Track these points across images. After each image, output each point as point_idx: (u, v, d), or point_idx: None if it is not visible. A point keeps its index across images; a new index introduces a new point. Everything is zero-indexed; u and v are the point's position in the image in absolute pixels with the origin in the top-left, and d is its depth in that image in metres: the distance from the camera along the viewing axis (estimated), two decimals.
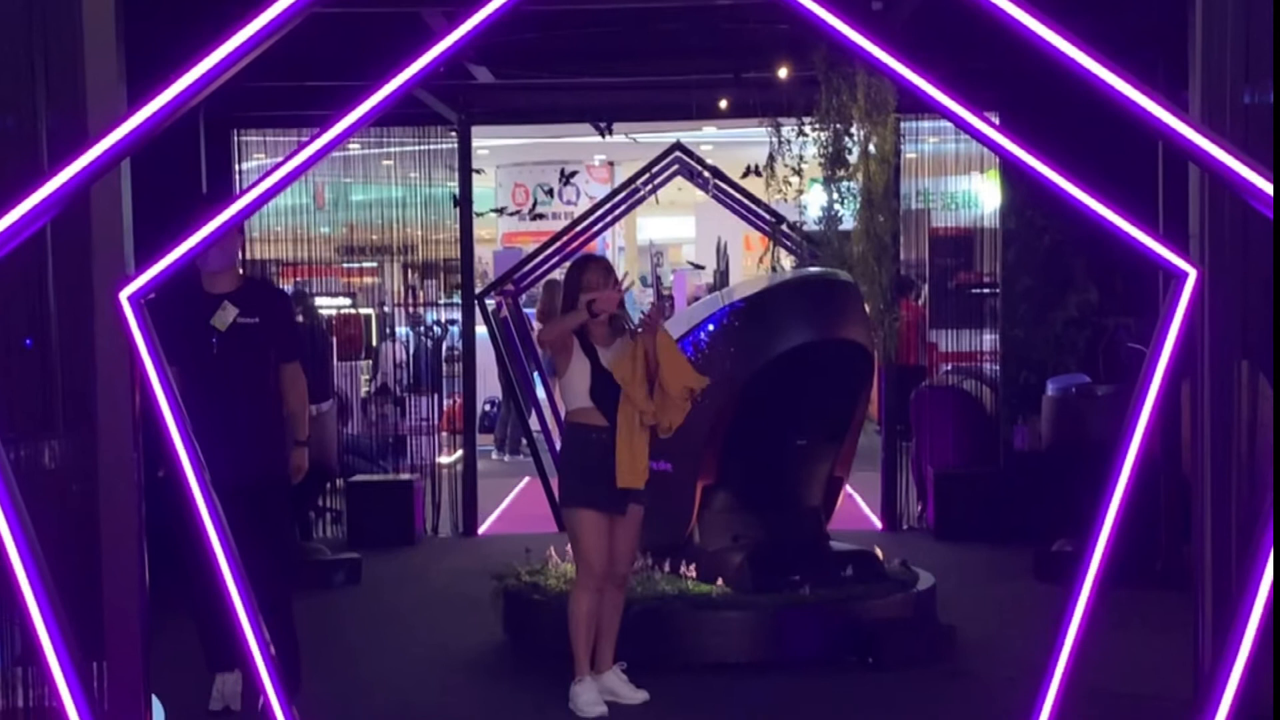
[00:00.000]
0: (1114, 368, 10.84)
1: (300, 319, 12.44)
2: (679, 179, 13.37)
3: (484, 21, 3.33)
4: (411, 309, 13.84)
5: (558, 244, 13.19)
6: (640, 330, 7.25)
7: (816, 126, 10.56)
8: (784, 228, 11.90)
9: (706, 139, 18.59)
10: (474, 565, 10.39)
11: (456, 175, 12.71)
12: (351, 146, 13.19)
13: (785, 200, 11.29)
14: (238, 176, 12.57)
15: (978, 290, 12.75)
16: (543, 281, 14.66)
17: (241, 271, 7.57)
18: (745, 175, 12.30)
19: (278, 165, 3.35)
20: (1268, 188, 3.08)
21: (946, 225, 13.12)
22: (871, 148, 10.50)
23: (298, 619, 7.16)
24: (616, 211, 13.79)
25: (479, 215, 13.30)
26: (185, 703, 6.90)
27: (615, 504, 7.22)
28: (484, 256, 19.58)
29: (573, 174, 18.45)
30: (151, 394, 3.36)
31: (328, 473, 11.30)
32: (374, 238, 13.58)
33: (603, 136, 13.28)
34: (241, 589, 3.39)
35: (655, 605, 8.09)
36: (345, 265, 14.26)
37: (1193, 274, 3.23)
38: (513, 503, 14.02)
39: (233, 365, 6.95)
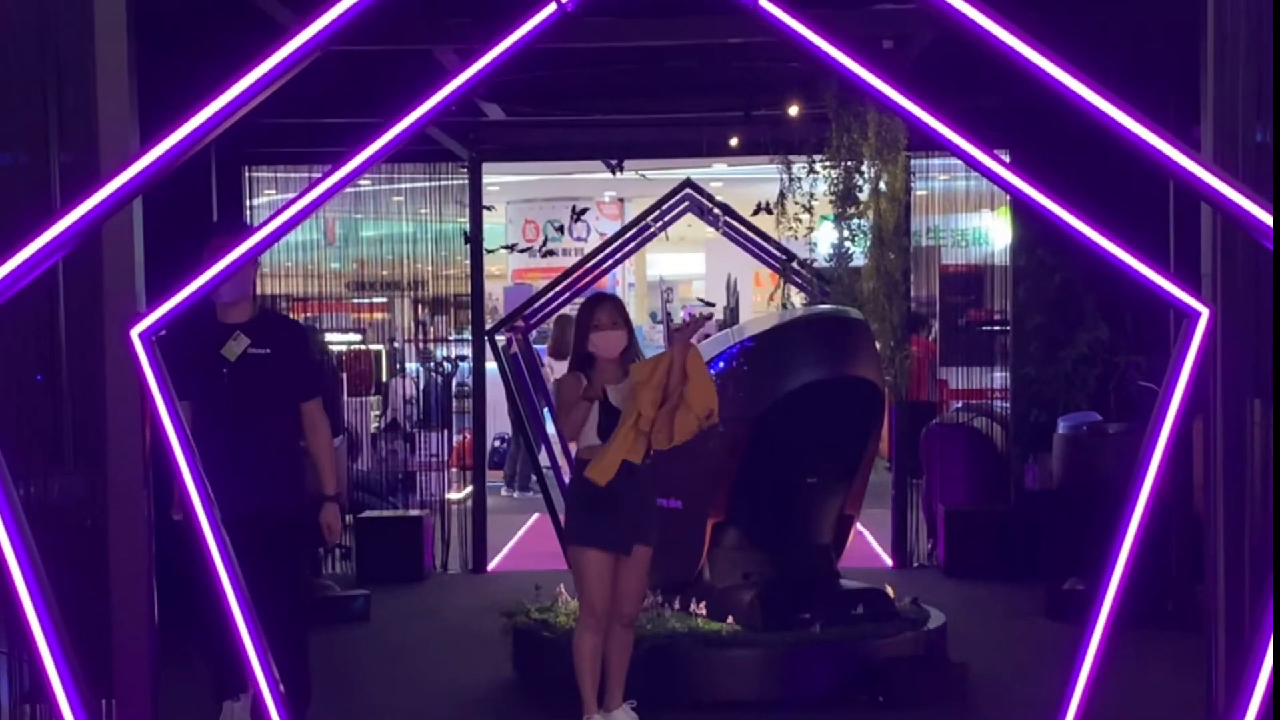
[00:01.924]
0: (1125, 406, 10.81)
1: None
2: (689, 216, 13.39)
3: (497, 59, 3.34)
4: (422, 345, 13.85)
5: (568, 280, 13.20)
6: (676, 333, 7.18)
7: (827, 164, 10.57)
8: (794, 265, 11.91)
9: (717, 176, 18.64)
10: (483, 602, 10.37)
11: (467, 211, 12.74)
12: (362, 182, 13.22)
13: (796, 237, 11.30)
14: (249, 212, 12.60)
15: (988, 327, 12.75)
16: (554, 317, 14.68)
17: (257, 303, 7.48)
18: (756, 212, 12.31)
19: (291, 201, 3.36)
20: (1268, 219, 3.08)
21: (957, 262, 13.12)
22: (882, 185, 10.51)
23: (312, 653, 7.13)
24: (627, 248, 13.80)
25: (489, 252, 13.33)
26: None
27: (621, 544, 7.15)
28: (494, 292, 19.61)
29: (583, 210, 18.49)
30: (162, 431, 3.36)
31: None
32: (384, 273, 13.60)
33: (613, 173, 13.33)
34: (249, 622, 3.38)
35: (665, 643, 8.06)
36: (355, 301, 14.28)
37: (1205, 313, 3.22)
38: (522, 539, 14.01)
39: (243, 396, 6.82)
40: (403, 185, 13.33)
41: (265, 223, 3.37)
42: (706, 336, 9.88)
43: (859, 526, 9.84)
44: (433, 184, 12.97)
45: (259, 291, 12.46)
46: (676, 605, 8.47)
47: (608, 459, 7.00)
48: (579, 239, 21.81)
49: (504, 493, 16.62)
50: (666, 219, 13.07)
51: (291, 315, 12.72)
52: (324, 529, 7.11)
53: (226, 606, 3.39)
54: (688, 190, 12.74)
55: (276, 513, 6.77)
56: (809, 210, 10.93)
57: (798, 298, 11.85)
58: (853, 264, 10.84)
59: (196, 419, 6.36)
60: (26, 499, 4.64)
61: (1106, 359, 11.25)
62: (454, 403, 13.50)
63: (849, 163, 10.42)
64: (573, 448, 7.49)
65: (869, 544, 12.94)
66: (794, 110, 10.97)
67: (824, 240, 11.33)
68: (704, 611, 8.39)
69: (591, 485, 7.10)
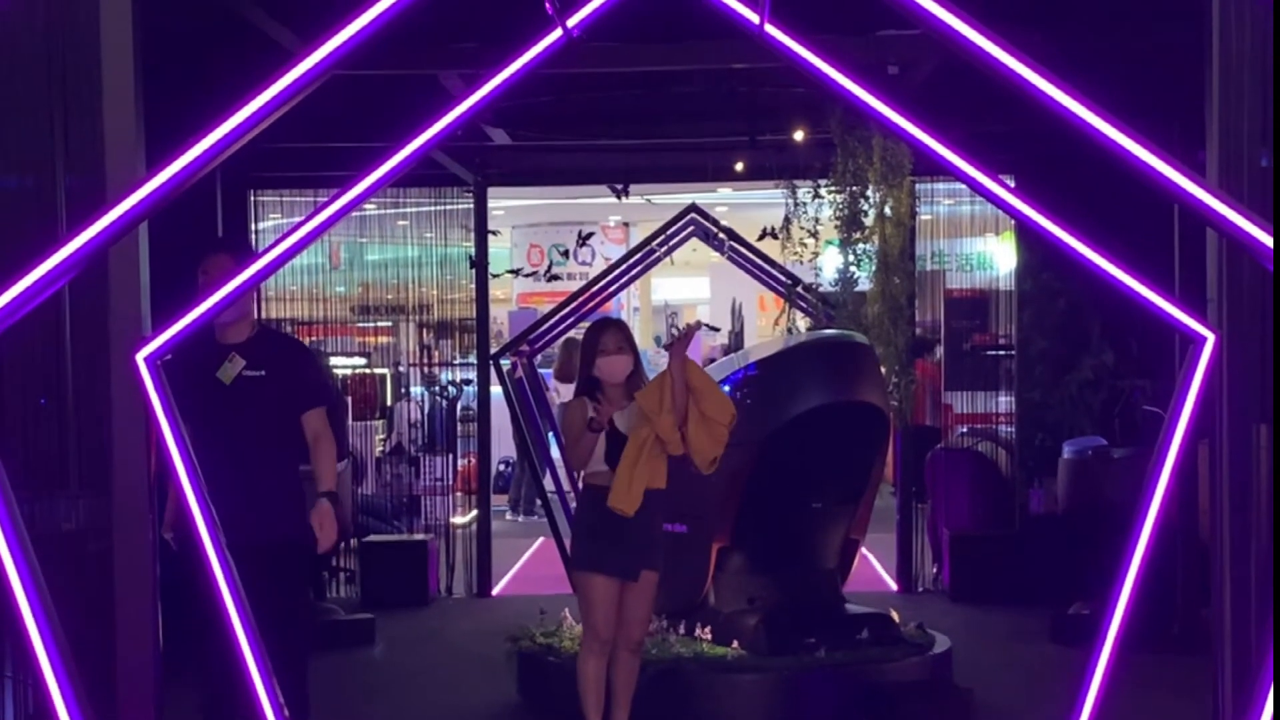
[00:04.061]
0: (1130, 430, 10.81)
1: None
2: (694, 240, 13.40)
3: (502, 85, 3.34)
4: (426, 369, 13.85)
5: (573, 305, 13.20)
6: (669, 349, 7.16)
7: (832, 189, 10.58)
8: (800, 289, 11.91)
9: (722, 200, 18.65)
10: (488, 626, 10.36)
11: (472, 236, 12.76)
12: (367, 206, 13.24)
13: (801, 262, 11.30)
14: (254, 236, 12.62)
15: (993, 352, 12.74)
16: (561, 340, 14.68)
17: (260, 322, 7.31)
18: (761, 237, 12.31)
19: (296, 226, 3.36)
20: (1268, 241, 3.08)
21: (962, 287, 13.13)
22: (887, 210, 10.52)
23: (311, 680, 7.08)
24: (632, 273, 13.81)
25: (495, 276, 13.35)
26: None
27: (627, 569, 7.13)
28: (499, 317, 19.63)
29: (588, 235, 18.50)
30: (167, 454, 3.36)
31: (342, 533, 11.25)
32: (389, 297, 13.62)
33: (618, 198, 13.32)
34: (255, 650, 3.37)
35: (670, 667, 8.05)
36: (360, 325, 14.28)
37: (1211, 338, 3.22)
38: (527, 563, 13.99)
39: (239, 420, 6.57)
40: (408, 209, 13.35)
41: (271, 247, 3.38)
42: (711, 361, 9.85)
43: (864, 551, 9.81)
44: (438, 208, 12.99)
45: (264, 316, 12.53)
46: (681, 630, 8.46)
47: (634, 488, 6.97)
48: (584, 263, 21.83)
49: (509, 517, 16.61)
50: (671, 243, 13.08)
51: (296, 335, 12.74)
52: (315, 526, 6.69)
53: (231, 632, 3.39)
54: (693, 215, 12.75)
55: (275, 543, 6.48)
56: (814, 235, 10.95)
57: (803, 322, 11.86)
58: (858, 288, 10.85)
59: (193, 442, 6.27)
60: (31, 522, 4.64)
61: (1111, 384, 11.24)
62: (459, 427, 13.48)
63: (854, 187, 10.43)
64: (578, 474, 7.47)
65: (874, 568, 12.92)
66: (799, 135, 10.98)
67: (829, 265, 11.33)
68: (709, 636, 8.38)
69: (598, 511, 7.11)
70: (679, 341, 7.09)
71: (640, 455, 6.97)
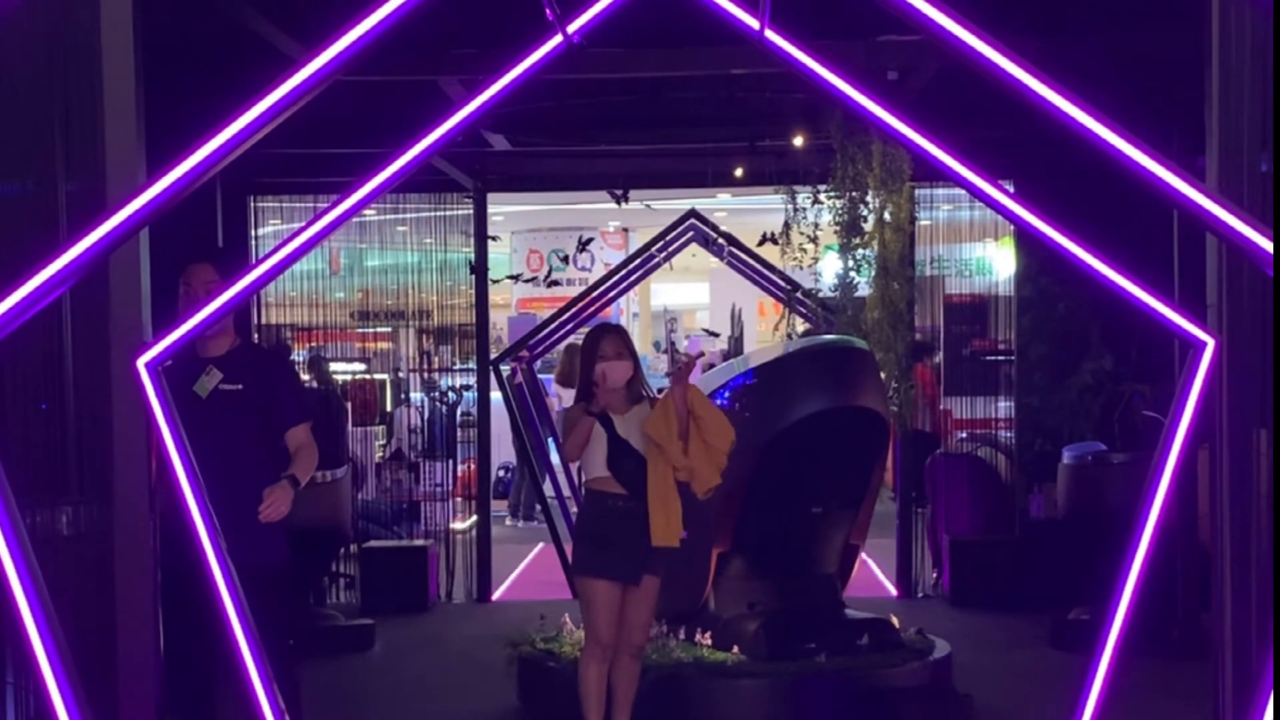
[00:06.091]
0: (1130, 435, 10.81)
1: (314, 384, 12.44)
2: (694, 246, 13.41)
3: (503, 91, 3.34)
4: (426, 374, 13.86)
5: (572, 310, 13.22)
6: (672, 378, 7.20)
7: (832, 194, 10.58)
8: (799, 295, 11.91)
9: (722, 206, 18.66)
10: (488, 632, 10.35)
11: (472, 241, 12.76)
12: (367, 212, 13.23)
13: (800, 267, 11.31)
14: (253, 242, 12.62)
15: (993, 357, 12.74)
16: (563, 345, 14.69)
17: (256, 338, 7.26)
18: (761, 243, 12.33)
19: (296, 232, 3.36)
20: (1268, 245, 3.08)
21: (961, 292, 13.14)
22: (887, 215, 10.52)
23: (309, 685, 7.06)
24: (631, 278, 13.82)
25: (494, 282, 13.35)
26: None
27: (629, 574, 7.14)
28: (499, 322, 19.62)
29: (588, 240, 18.50)
30: (168, 459, 3.36)
31: (342, 538, 11.28)
32: (389, 303, 13.62)
33: (618, 204, 13.34)
34: (259, 665, 3.37)
35: (671, 672, 8.05)
36: (360, 330, 14.28)
37: (1211, 344, 3.22)
38: (527, 569, 13.99)
39: (214, 436, 6.06)
40: (408, 215, 13.36)
41: (271, 253, 3.38)
42: (711, 367, 9.85)
43: (864, 556, 9.81)
44: (438, 214, 13.00)
45: (264, 320, 12.53)
46: (682, 635, 8.46)
47: (672, 521, 7.04)
48: (584, 269, 21.83)
49: (508, 522, 16.61)
50: (671, 249, 13.09)
51: (295, 346, 12.74)
52: (264, 495, 6.22)
53: (231, 635, 3.39)
54: (692, 220, 12.77)
55: (254, 564, 6.07)
56: (814, 240, 10.95)
57: (802, 327, 11.85)
58: (857, 294, 10.85)
59: None
60: (32, 528, 4.64)
61: (1111, 388, 11.24)
62: (458, 432, 13.49)
63: (854, 193, 10.42)
64: (573, 473, 7.47)
65: (874, 574, 12.92)
66: (799, 141, 10.99)
67: (829, 270, 11.33)
68: (709, 641, 8.38)
69: (600, 516, 7.19)
70: (682, 371, 7.15)
71: (666, 488, 7.05)
